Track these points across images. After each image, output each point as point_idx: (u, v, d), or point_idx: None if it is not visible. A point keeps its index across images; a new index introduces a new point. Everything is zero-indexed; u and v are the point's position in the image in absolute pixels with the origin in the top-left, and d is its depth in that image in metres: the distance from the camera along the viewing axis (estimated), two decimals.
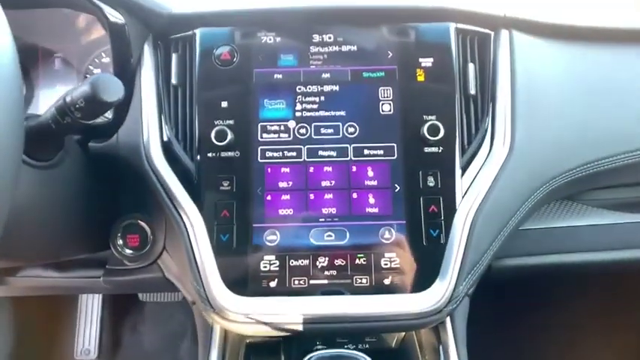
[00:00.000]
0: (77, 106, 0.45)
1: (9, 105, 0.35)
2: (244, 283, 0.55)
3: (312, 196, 0.57)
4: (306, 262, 0.56)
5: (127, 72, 0.61)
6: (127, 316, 1.25)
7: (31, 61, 0.78)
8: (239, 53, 0.61)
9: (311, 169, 0.58)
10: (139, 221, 0.62)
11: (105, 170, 0.60)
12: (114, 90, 0.45)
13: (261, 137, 0.59)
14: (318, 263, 0.56)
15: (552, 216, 0.66)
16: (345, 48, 0.61)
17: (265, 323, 0.54)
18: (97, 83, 0.44)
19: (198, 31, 0.61)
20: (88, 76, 0.78)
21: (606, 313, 1.02)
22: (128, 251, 0.61)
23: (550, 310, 1.00)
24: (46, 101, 0.79)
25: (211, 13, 0.62)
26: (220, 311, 0.54)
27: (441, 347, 0.58)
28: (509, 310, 1.00)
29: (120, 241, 0.61)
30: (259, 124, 0.59)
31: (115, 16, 0.60)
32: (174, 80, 0.61)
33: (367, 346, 0.61)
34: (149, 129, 0.60)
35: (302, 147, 0.59)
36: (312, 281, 0.55)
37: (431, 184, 0.57)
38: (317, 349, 0.60)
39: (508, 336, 0.99)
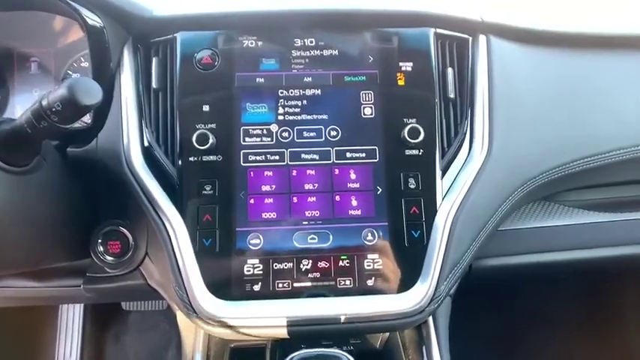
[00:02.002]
0: (54, 109, 0.45)
1: None
2: (228, 287, 0.55)
3: (295, 200, 0.58)
4: (290, 265, 0.56)
5: (105, 76, 0.60)
6: (109, 327, 1.22)
7: (7, 65, 0.77)
8: (220, 57, 0.61)
9: (294, 173, 0.58)
10: (120, 227, 0.61)
11: (84, 176, 0.59)
12: (92, 93, 0.45)
13: (244, 141, 0.59)
14: (301, 266, 0.56)
15: (530, 216, 0.68)
16: (326, 52, 0.62)
17: (249, 327, 0.54)
18: (75, 86, 0.43)
19: (178, 35, 0.61)
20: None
21: (584, 309, 1.04)
22: (109, 258, 0.60)
23: (528, 307, 1.02)
24: (23, 106, 0.77)
25: (192, 16, 0.61)
26: (203, 316, 0.53)
27: (424, 347, 0.59)
28: (492, 308, 1.02)
29: (100, 248, 0.60)
30: (242, 128, 0.59)
31: (92, 19, 0.59)
32: (154, 84, 0.61)
33: (352, 348, 0.61)
34: (129, 133, 0.59)
35: (285, 150, 0.59)
36: (296, 284, 0.56)
37: (412, 186, 0.58)
38: (304, 348, 0.60)
39: (491, 335, 1.01)
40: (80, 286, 0.68)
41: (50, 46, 0.77)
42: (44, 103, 0.45)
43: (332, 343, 0.61)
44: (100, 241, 0.60)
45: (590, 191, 0.70)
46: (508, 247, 0.66)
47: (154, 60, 0.61)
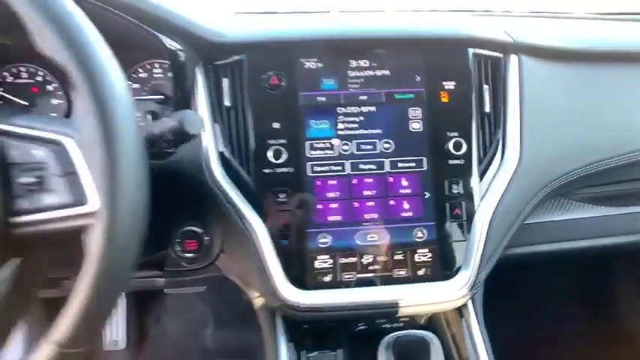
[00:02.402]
0: (165, 138, 0.53)
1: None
2: (303, 278, 0.65)
3: (356, 204, 0.68)
4: (353, 259, 0.67)
5: (184, 95, 0.68)
6: (150, 310, 1.31)
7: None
8: (285, 78, 0.68)
9: (354, 181, 0.68)
10: (196, 228, 0.70)
11: (166, 183, 0.68)
12: (196, 124, 0.53)
13: (310, 154, 0.68)
14: (363, 260, 0.67)
15: (549, 211, 0.79)
16: (379, 72, 0.70)
17: (322, 311, 0.65)
18: (184, 119, 0.52)
19: (245, 58, 0.68)
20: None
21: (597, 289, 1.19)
22: (187, 255, 0.70)
23: (546, 287, 1.17)
24: None
25: (258, 42, 0.68)
26: (285, 303, 0.64)
27: (463, 321, 0.71)
28: (516, 289, 1.15)
29: (178, 247, 0.70)
30: (307, 143, 0.68)
31: (173, 45, 0.66)
32: (227, 102, 0.69)
33: (401, 324, 0.73)
34: (207, 147, 0.68)
35: (345, 162, 0.68)
36: (359, 275, 0.66)
37: (455, 191, 0.68)
38: (359, 328, 0.72)
39: (514, 311, 1.15)
40: (153, 277, 0.78)
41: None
42: (157, 132, 0.53)
43: (385, 321, 0.73)
44: (178, 240, 0.70)
45: (600, 187, 0.81)
46: (531, 238, 0.77)
47: (225, 80, 0.69)
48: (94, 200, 0.41)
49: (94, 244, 0.41)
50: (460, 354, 0.70)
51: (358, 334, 0.72)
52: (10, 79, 0.81)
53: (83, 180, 0.42)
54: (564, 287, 1.18)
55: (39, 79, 0.82)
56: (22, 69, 0.81)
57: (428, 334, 0.52)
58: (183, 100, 0.69)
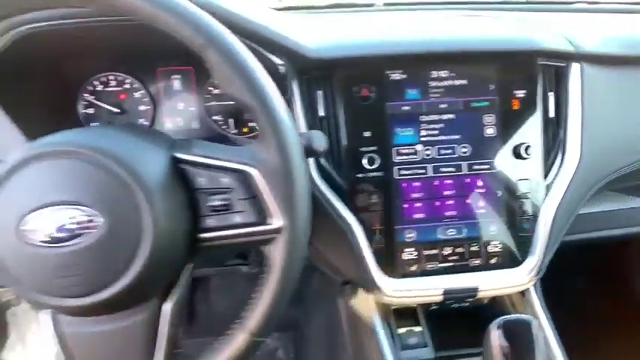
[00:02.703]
0: None
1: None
2: (393, 268, 0.75)
3: (437, 203, 0.76)
4: (435, 251, 0.76)
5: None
6: (197, 290, 1.40)
7: (150, 81, 0.88)
8: (374, 89, 0.75)
9: (435, 182, 0.76)
10: None
11: None
12: (322, 141, 0.60)
13: (396, 159, 0.76)
14: (444, 251, 0.76)
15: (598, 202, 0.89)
16: (457, 82, 0.77)
17: (410, 296, 0.76)
18: (312, 138, 0.59)
19: (338, 71, 0.74)
20: (207, 96, 0.89)
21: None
22: None
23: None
24: (170, 119, 0.90)
25: (349, 57, 0.74)
26: (379, 289, 0.74)
27: (526, 301, 0.82)
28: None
29: None
30: (394, 149, 0.76)
31: (274, 60, 0.72)
32: (321, 112, 0.75)
33: (467, 304, 0.84)
34: None
35: (428, 165, 0.76)
36: (440, 264, 0.76)
37: (523, 190, 0.77)
38: (432, 308, 0.83)
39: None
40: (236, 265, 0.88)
41: (191, 64, 0.88)
42: None
43: (454, 301, 0.83)
44: None
45: None
46: (583, 227, 0.88)
47: (319, 93, 0.75)
48: (277, 218, 0.50)
49: (278, 254, 0.50)
50: None
51: (432, 312, 0.83)
52: (100, 88, 0.87)
53: (267, 202, 0.50)
54: (607, 271, 1.31)
55: (126, 86, 0.87)
56: (110, 77, 0.86)
57: (528, 317, 0.62)
58: None
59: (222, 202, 0.50)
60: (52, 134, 0.51)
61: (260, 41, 0.70)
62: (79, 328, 0.51)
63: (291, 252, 0.50)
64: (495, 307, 0.85)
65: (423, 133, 0.76)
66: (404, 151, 0.76)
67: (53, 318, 0.52)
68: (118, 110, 0.87)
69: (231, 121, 0.90)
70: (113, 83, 0.87)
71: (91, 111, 0.87)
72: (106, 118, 0.87)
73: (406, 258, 0.76)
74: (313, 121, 0.76)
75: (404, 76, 0.76)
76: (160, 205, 0.47)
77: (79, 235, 0.46)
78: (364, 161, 0.73)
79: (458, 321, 0.84)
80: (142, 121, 0.89)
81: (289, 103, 0.74)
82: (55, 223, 0.45)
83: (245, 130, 0.91)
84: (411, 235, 0.76)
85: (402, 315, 0.82)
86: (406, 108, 0.76)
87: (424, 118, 0.76)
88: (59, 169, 0.46)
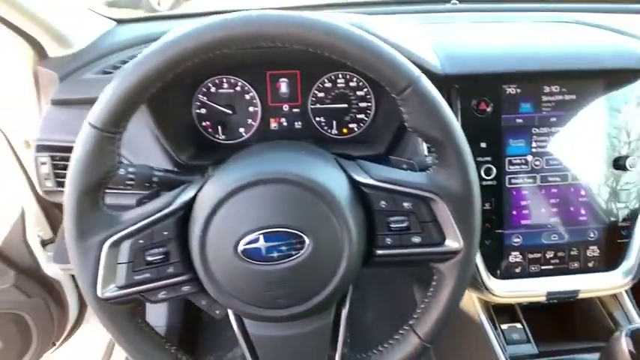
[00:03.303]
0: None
1: None
2: (501, 270, 0.81)
3: (543, 210, 0.82)
4: (538, 255, 0.82)
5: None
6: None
7: (260, 84, 0.91)
8: (491, 103, 0.79)
9: (542, 191, 0.82)
10: None
11: None
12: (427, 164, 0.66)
13: (508, 169, 0.80)
14: (546, 255, 0.82)
15: None
16: (567, 97, 0.81)
17: (514, 296, 0.82)
18: (421, 163, 0.64)
19: (458, 86, 0.78)
20: (313, 99, 0.92)
21: None
22: None
23: None
24: (275, 121, 0.93)
25: (470, 74, 0.78)
26: (488, 289, 0.81)
27: (617, 300, 0.89)
28: None
29: None
30: (506, 159, 0.80)
31: None
32: None
33: (555, 300, 0.91)
34: None
35: (537, 175, 0.81)
36: (542, 267, 0.83)
37: (623, 199, 0.82)
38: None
39: None
40: None
41: (297, 68, 0.91)
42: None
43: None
44: None
45: None
46: None
47: None
48: (455, 241, 0.55)
49: (452, 272, 0.56)
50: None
51: (524, 308, 0.90)
52: (213, 90, 0.89)
53: (447, 226, 0.55)
54: None
55: (238, 88, 0.90)
56: (223, 80, 0.89)
57: None
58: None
59: (403, 224, 0.55)
60: (244, 161, 0.55)
61: None
62: (266, 332, 0.57)
63: (465, 270, 0.56)
64: (583, 302, 0.92)
65: (534, 144, 0.81)
66: (515, 161, 0.81)
67: (239, 321, 0.58)
68: (230, 111, 0.90)
69: (334, 122, 0.94)
70: (226, 86, 0.90)
71: (203, 111, 0.91)
72: (217, 118, 0.91)
73: (512, 261, 0.82)
74: None
75: (519, 90, 0.80)
76: (352, 227, 0.52)
77: (289, 256, 0.51)
78: (481, 171, 0.78)
79: (545, 314, 0.92)
80: (249, 121, 0.92)
81: None
82: (268, 244, 0.50)
83: (345, 131, 0.95)
84: (517, 240, 0.82)
85: (500, 311, 0.89)
86: (519, 121, 0.80)
87: (536, 130, 0.81)
88: (272, 194, 0.51)
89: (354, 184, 0.56)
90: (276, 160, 0.55)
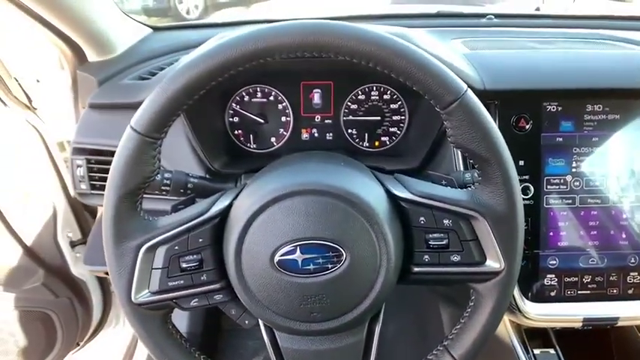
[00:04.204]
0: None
1: None
2: (533, 292, 0.79)
3: (581, 232, 0.79)
4: (575, 279, 0.79)
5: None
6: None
7: (294, 94, 0.91)
8: (530, 120, 0.77)
9: (581, 213, 0.79)
10: None
11: None
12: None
13: (546, 188, 0.78)
14: (584, 279, 0.79)
15: None
16: (610, 116, 0.78)
17: (548, 321, 0.79)
18: (461, 179, 0.63)
19: (497, 102, 0.77)
20: (345, 110, 0.92)
21: None
22: None
23: None
24: (307, 131, 0.93)
25: (510, 90, 0.76)
26: (522, 312, 0.78)
27: None
28: None
29: None
30: (545, 178, 0.78)
31: None
32: None
33: (590, 327, 0.87)
34: None
35: (576, 196, 0.78)
36: (579, 292, 0.79)
37: None
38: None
39: None
40: None
41: (331, 79, 0.90)
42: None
43: None
44: None
45: None
46: None
47: None
48: (496, 261, 0.53)
49: (492, 293, 0.54)
50: None
51: (558, 333, 0.87)
52: (247, 98, 0.90)
53: (489, 246, 0.53)
54: None
55: (271, 98, 0.90)
56: (257, 89, 0.90)
57: None
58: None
59: (442, 242, 0.54)
60: (283, 171, 0.55)
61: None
62: (297, 345, 0.56)
63: (505, 292, 0.54)
64: (619, 329, 0.88)
65: (574, 164, 0.78)
66: (554, 181, 0.78)
67: (270, 333, 0.57)
68: (262, 120, 0.90)
69: (366, 135, 0.93)
70: (259, 95, 0.90)
71: (236, 120, 0.91)
72: (250, 127, 0.91)
73: (547, 283, 0.79)
74: None
75: (559, 107, 0.78)
76: (390, 242, 0.51)
77: (325, 269, 0.50)
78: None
79: (580, 340, 0.88)
80: (281, 131, 0.92)
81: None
82: (305, 256, 0.49)
83: (377, 144, 0.94)
84: (553, 262, 0.79)
85: (532, 335, 0.86)
86: (560, 139, 0.78)
87: (576, 150, 0.78)
88: (310, 206, 0.50)
89: (393, 199, 0.55)
90: (314, 171, 0.54)
